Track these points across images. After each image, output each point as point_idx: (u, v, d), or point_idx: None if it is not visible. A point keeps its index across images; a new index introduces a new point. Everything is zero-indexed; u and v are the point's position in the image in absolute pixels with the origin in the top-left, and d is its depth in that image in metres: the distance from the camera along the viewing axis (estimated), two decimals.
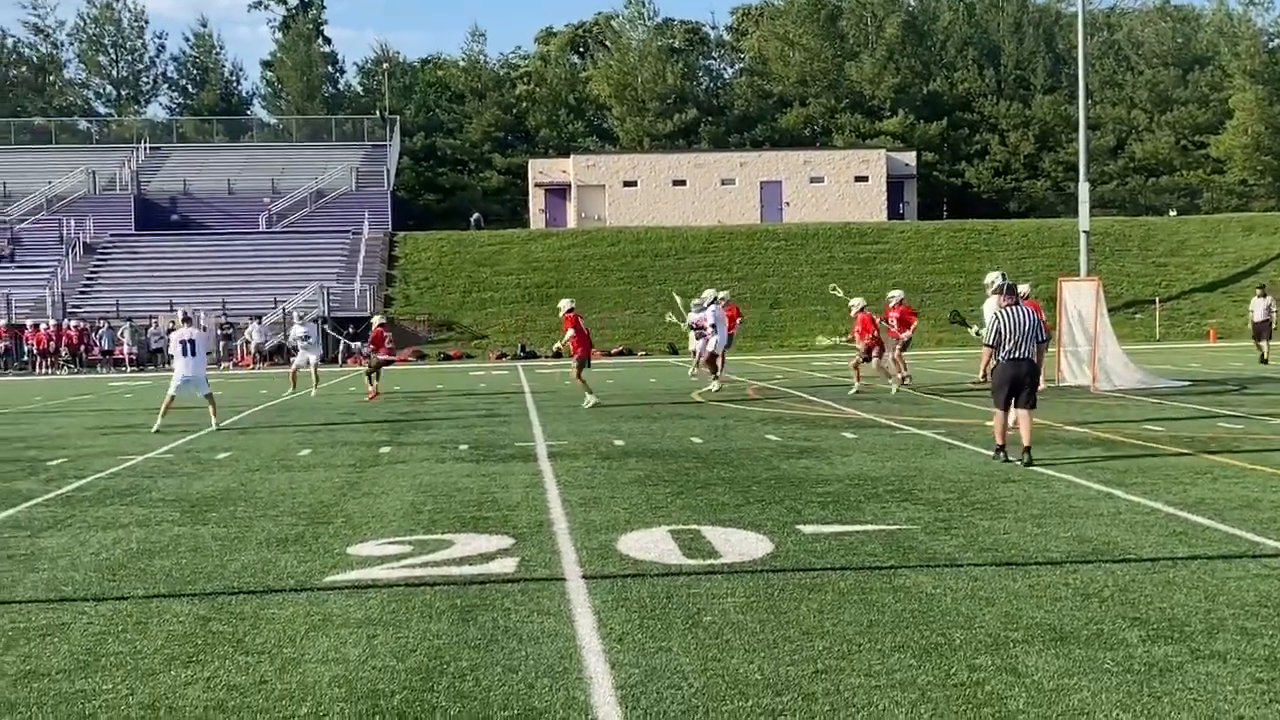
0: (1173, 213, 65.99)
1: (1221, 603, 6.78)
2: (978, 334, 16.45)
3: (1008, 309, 12.90)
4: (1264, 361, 30.18)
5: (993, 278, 16.78)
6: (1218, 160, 72.37)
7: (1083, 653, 5.91)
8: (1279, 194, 70.63)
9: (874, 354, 23.06)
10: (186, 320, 19.79)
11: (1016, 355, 12.66)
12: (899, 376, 22.94)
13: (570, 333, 21.45)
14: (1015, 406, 12.75)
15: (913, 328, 24.40)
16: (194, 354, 18.86)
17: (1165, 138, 73.65)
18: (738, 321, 26.70)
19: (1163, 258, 55.87)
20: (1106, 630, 6.29)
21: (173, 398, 18.96)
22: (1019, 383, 12.69)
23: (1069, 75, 73.97)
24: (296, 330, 29.10)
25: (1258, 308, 32.43)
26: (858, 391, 22.55)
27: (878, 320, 23.49)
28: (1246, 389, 22.39)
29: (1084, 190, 40.18)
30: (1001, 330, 12.75)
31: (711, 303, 24.49)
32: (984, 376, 13.02)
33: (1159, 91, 75.55)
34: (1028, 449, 12.51)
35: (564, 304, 22.22)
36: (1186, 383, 23.69)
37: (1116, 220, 61.90)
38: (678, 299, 27.52)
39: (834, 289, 29.54)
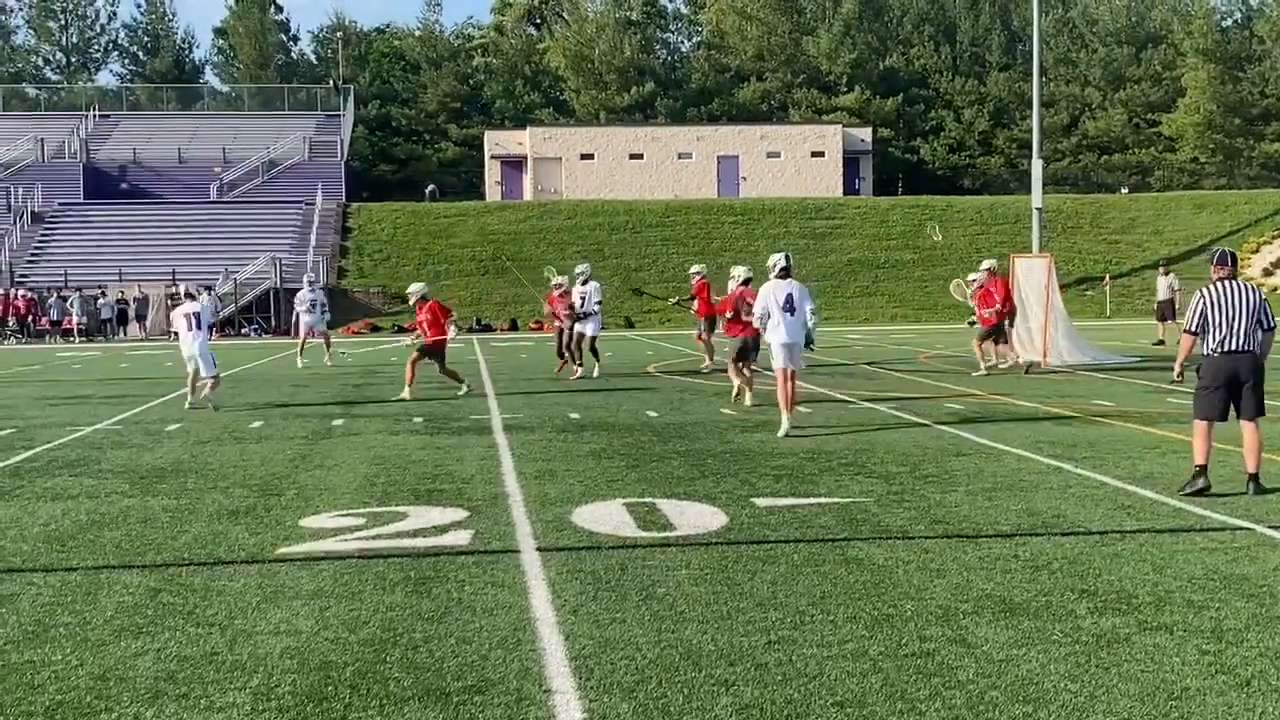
0: (1125, 190, 66.55)
1: (1169, 575, 6.87)
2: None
3: (1219, 283, 9.55)
4: (1163, 343, 28.52)
5: (775, 259, 13.69)
6: (1169, 138, 72.99)
7: (1031, 624, 5.97)
8: (1229, 172, 71.36)
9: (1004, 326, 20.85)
10: (189, 296, 18.27)
11: (1233, 346, 9.38)
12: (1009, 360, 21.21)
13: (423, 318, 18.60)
14: (1239, 416, 9.47)
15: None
16: (198, 328, 17.21)
17: (1118, 116, 74.16)
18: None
19: (1114, 235, 56.32)
20: (1055, 602, 6.36)
21: (196, 373, 17.33)
22: (1235, 384, 9.41)
23: (1024, 52, 74.31)
24: (302, 296, 26.95)
25: (1161, 287, 31.06)
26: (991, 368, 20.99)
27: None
28: (1192, 365, 22.60)
29: (1037, 167, 40.43)
30: (1208, 312, 9.46)
31: (586, 280, 21.92)
32: (1180, 374, 10.09)
33: (1112, 69, 76.03)
34: (1254, 476, 9.31)
35: (416, 288, 19.21)
36: (1136, 359, 23.95)
37: (1069, 198, 62.33)
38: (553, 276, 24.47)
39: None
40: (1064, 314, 23.89)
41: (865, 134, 68.20)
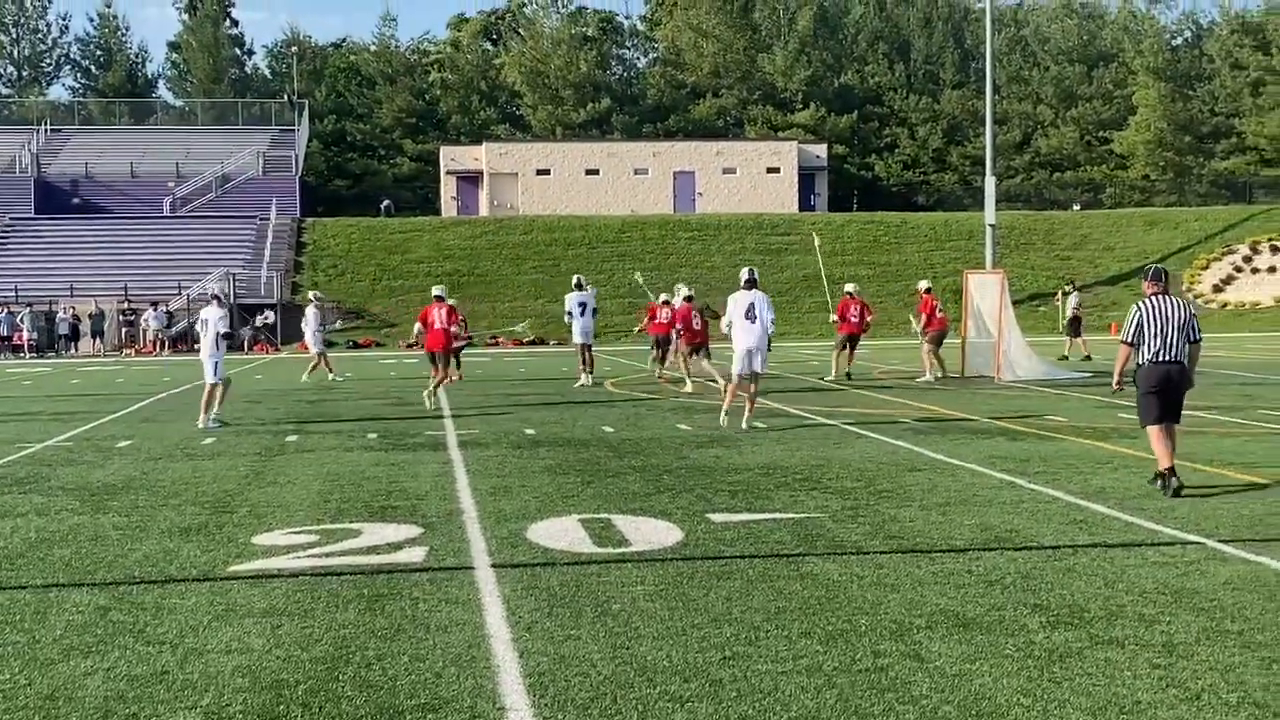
0: (1076, 207, 67.20)
1: (1120, 590, 6.92)
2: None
3: (1153, 298, 10.44)
4: (1066, 358, 29.20)
5: (743, 273, 15.58)
6: (1121, 156, 73.83)
7: (985, 638, 6.00)
8: (1180, 190, 72.20)
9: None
10: (214, 298, 17.32)
11: (1166, 357, 10.24)
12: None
13: (418, 328, 20.14)
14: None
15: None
16: (208, 336, 16.60)
17: (1070, 133, 74.95)
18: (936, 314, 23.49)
19: (1066, 251, 56.85)
20: (1008, 617, 6.39)
21: (213, 386, 16.77)
22: (1167, 390, 10.31)
23: (977, 70, 75.10)
24: (308, 313, 28.32)
25: (1068, 304, 32.04)
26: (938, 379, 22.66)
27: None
28: (1128, 376, 22.81)
29: (990, 184, 40.84)
30: (1144, 324, 10.33)
31: (576, 287, 24.30)
32: (1118, 383, 10.91)
33: (1064, 87, 76.87)
34: (1171, 470, 10.11)
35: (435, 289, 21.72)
36: (1088, 374, 24.16)
37: (1022, 214, 62.88)
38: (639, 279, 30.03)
39: (637, 276, 31.02)
40: (1017, 329, 24.10)
41: (820, 150, 68.59)
